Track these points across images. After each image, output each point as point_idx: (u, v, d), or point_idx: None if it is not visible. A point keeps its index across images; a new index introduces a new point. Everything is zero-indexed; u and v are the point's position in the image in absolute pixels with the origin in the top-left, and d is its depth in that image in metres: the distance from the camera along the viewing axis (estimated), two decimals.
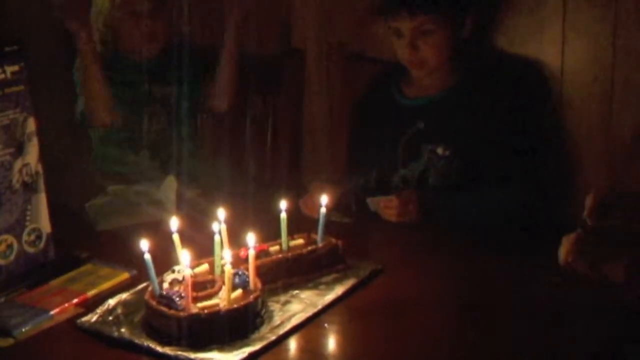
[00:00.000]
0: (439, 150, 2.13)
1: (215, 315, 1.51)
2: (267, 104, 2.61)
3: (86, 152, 2.60)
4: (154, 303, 1.55)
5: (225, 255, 1.56)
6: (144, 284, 1.69)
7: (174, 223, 1.68)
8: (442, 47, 2.13)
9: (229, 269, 1.53)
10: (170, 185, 2.21)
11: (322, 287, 1.72)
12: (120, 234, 1.96)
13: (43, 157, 2.30)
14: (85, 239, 1.99)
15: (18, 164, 1.81)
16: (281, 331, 1.54)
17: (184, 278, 1.54)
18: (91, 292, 1.73)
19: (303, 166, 2.65)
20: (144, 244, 1.58)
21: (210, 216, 1.72)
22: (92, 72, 2.42)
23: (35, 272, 1.83)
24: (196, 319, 1.50)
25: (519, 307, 1.63)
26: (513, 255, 1.85)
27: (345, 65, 2.55)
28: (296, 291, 1.70)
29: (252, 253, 1.59)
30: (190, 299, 1.52)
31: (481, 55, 2.25)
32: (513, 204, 2.04)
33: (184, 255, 1.54)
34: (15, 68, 1.79)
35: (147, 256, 1.57)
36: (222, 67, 2.49)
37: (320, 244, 1.78)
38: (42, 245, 1.87)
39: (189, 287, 1.52)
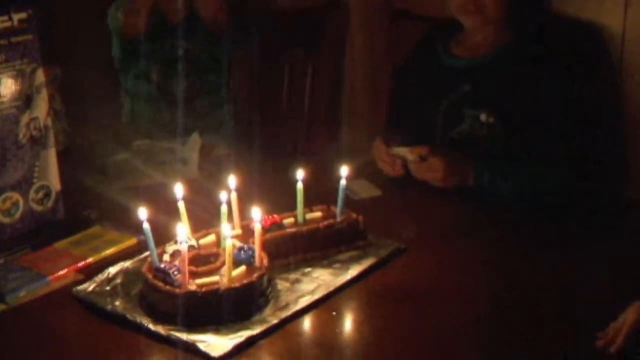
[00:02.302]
0: (482, 117, 1.96)
1: (212, 294, 1.39)
2: (307, 60, 2.45)
3: (118, 107, 2.52)
4: (149, 276, 1.44)
5: (224, 230, 1.43)
6: (148, 253, 1.58)
7: (179, 190, 1.56)
8: None
9: (229, 244, 1.41)
10: (194, 144, 2.10)
11: (337, 265, 1.58)
12: (137, 193, 1.86)
13: (72, 108, 2.23)
14: (98, 197, 1.89)
15: (25, 118, 1.72)
16: (285, 314, 1.42)
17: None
18: (93, 258, 1.64)
19: (341, 131, 2.50)
20: (143, 213, 1.47)
21: (234, 177, 1.61)
22: None
23: (42, 231, 1.75)
24: (191, 297, 1.39)
25: (557, 307, 1.45)
26: (557, 246, 1.66)
27: (391, 22, 2.38)
28: (309, 269, 1.57)
29: (258, 227, 1.46)
30: (187, 275, 1.41)
31: (536, 14, 2.05)
32: (559, 183, 1.86)
33: (181, 229, 1.42)
34: (23, 15, 1.68)
35: (146, 225, 1.46)
36: None
37: (338, 218, 1.64)
38: (50, 203, 1.79)
39: (186, 262, 1.40)
